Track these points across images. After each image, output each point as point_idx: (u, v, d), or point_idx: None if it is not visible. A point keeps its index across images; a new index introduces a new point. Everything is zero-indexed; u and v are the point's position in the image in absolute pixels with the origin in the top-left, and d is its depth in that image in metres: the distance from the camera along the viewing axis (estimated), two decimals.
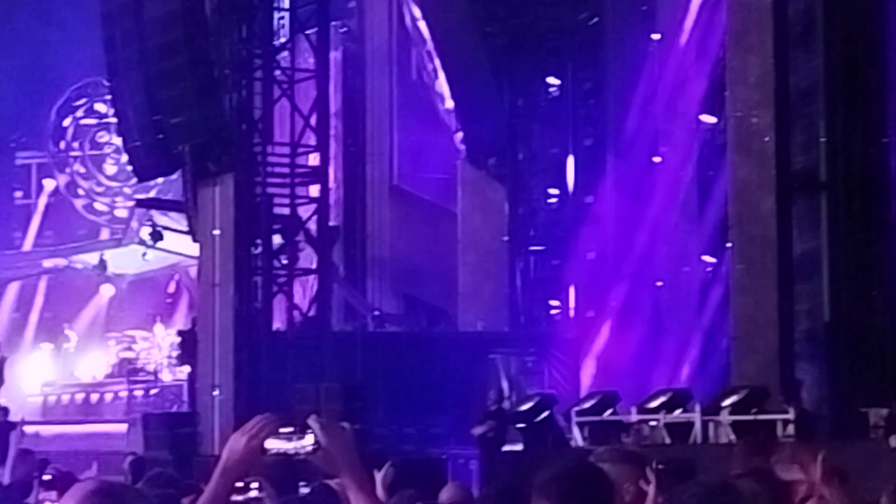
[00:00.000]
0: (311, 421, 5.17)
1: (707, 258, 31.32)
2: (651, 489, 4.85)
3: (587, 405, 27.11)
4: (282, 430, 5.14)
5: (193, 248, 31.21)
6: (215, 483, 5.25)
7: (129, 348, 39.30)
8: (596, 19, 34.59)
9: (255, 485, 7.44)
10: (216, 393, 28.11)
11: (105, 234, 43.64)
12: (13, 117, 44.49)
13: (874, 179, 27.88)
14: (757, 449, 10.17)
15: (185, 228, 31.60)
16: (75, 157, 44.75)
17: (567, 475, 5.04)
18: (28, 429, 32.74)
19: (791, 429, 24.02)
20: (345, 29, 34.03)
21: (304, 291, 30.30)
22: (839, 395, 27.14)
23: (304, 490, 8.46)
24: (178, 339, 33.13)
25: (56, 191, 45.33)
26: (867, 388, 26.98)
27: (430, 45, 32.72)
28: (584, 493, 4.99)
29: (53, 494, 10.85)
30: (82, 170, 44.75)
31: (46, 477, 14.86)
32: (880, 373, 27.15)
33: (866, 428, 25.20)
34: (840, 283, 27.70)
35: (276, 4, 29.95)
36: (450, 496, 8.97)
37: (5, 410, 33.18)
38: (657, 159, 32.55)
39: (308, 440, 5.09)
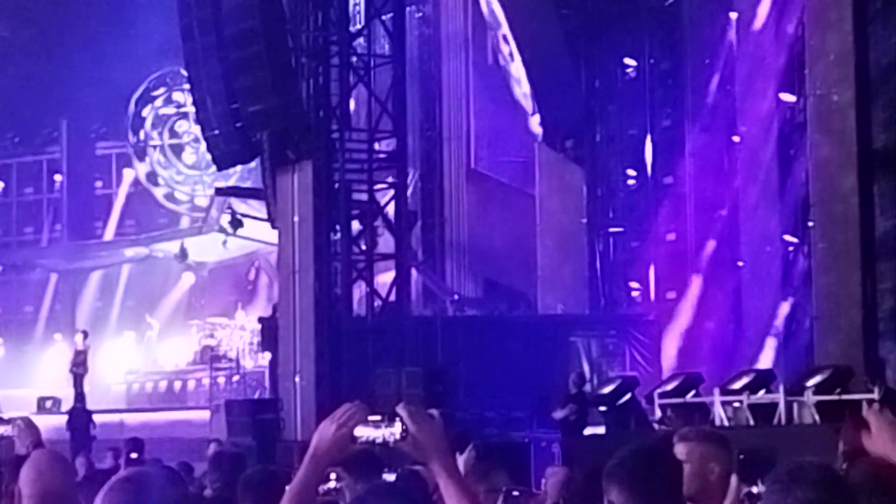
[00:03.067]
0: (400, 409, 5.19)
1: (789, 237, 31.14)
2: (733, 480, 4.83)
3: (669, 387, 27.04)
4: (370, 417, 5.16)
5: (273, 236, 31.35)
6: (305, 470, 5.28)
7: (211, 335, 39.53)
8: None
9: (333, 475, 7.47)
10: (298, 379, 28.21)
11: (185, 222, 43.94)
12: (92, 108, 44.82)
13: None
14: (860, 429, 10.06)
15: (265, 216, 31.77)
16: (155, 147, 45.05)
17: (632, 459, 5.03)
18: (112, 417, 33.13)
19: (876, 409, 23.91)
20: (420, 14, 34.09)
21: (383, 277, 30.37)
22: None
23: (389, 477, 8.48)
24: (259, 326, 33.29)
25: (136, 180, 45.64)
26: None
27: (505, 29, 32.68)
28: (649, 475, 4.98)
29: None
30: (162, 159, 45.05)
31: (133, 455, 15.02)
32: None
33: None
34: None
35: None
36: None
37: (84, 398, 33.54)
38: (736, 139, 32.39)
39: (397, 428, 5.12)
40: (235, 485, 9.41)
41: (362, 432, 5.15)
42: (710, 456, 5.96)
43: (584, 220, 33.03)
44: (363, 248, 29.71)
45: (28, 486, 6.79)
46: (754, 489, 4.95)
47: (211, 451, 14.72)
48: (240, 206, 35.29)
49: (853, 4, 28.24)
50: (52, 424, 31.50)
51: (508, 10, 32.49)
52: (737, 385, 26.02)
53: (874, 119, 28.21)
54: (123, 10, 37.39)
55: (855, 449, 8.32)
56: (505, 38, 32.79)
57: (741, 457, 6.05)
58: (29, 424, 9.32)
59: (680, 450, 6.02)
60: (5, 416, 19.27)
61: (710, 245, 32.78)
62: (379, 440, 5.20)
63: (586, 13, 32.94)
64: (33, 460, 7.08)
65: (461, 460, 10.71)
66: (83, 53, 40.87)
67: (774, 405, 24.97)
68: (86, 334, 37.41)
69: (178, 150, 44.52)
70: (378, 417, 5.16)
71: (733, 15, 32.37)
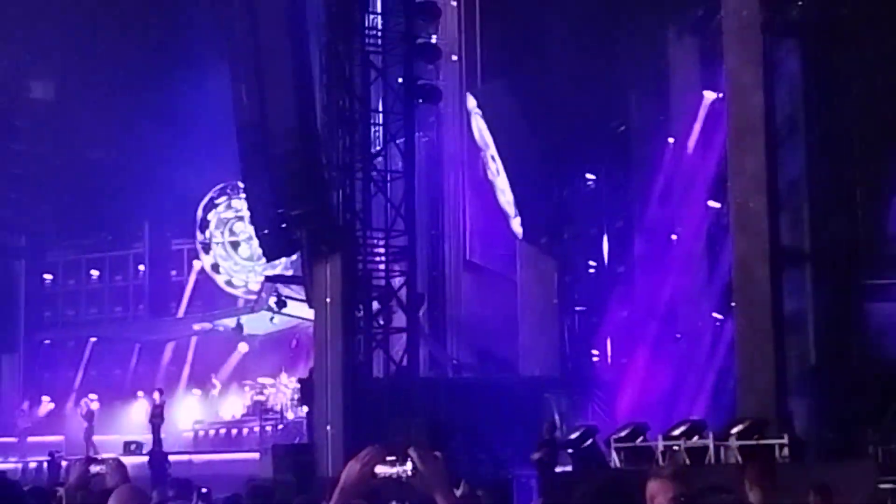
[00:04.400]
0: (411, 451, 5.21)
1: (716, 315, 31.18)
2: None
3: (623, 434, 26.94)
4: (387, 458, 5.19)
5: (310, 313, 31.32)
6: (335, 501, 5.29)
7: (261, 393, 39.50)
8: (623, 127, 34.73)
9: None
10: (329, 428, 28.13)
11: (241, 303, 43.95)
12: (168, 213, 45.06)
13: (848, 251, 27.76)
14: (767, 470, 10.08)
15: (304, 298, 31.76)
16: (217, 243, 45.15)
17: (594, 493, 5.05)
18: (183, 457, 33.02)
19: (786, 451, 23.85)
20: (426, 138, 34.21)
21: (397, 346, 30.34)
22: (824, 425, 26.97)
23: None
24: (299, 385, 33.27)
25: (202, 270, 45.72)
26: (848, 420, 26.83)
27: (492, 150, 32.83)
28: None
29: None
30: (223, 253, 45.13)
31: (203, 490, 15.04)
32: (855, 410, 26.99)
33: (843, 454, 25.07)
34: (822, 335, 27.56)
35: (372, 120, 30.13)
36: None
37: (161, 443, 33.51)
38: (674, 237, 32.54)
39: (408, 466, 5.14)
40: None
41: (381, 470, 5.18)
42: (663, 490, 5.96)
43: (556, 302, 33.03)
44: (381, 323, 29.73)
45: None
46: None
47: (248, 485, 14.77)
48: (284, 290, 35.31)
49: (765, 132, 28.37)
50: (135, 463, 31.42)
51: (495, 136, 32.65)
52: (675, 432, 25.95)
53: (782, 222, 28.29)
54: (191, 135, 37.58)
55: (762, 485, 8.35)
56: (493, 157, 32.93)
57: (682, 498, 6.05)
58: (118, 465, 9.37)
59: (653, 485, 6.07)
60: (99, 457, 19.15)
61: (654, 321, 32.84)
62: (394, 476, 5.23)
63: (556, 139, 33.08)
64: (118, 493, 7.13)
65: (458, 492, 10.71)
66: (161, 169, 41.07)
67: (705, 448, 24.91)
68: (161, 392, 37.45)
69: (235, 245, 44.63)
70: (393, 458, 5.19)
71: (671, 140, 32.57)
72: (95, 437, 36.96)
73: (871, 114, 27.67)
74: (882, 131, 27.58)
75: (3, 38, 45.90)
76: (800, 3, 28.74)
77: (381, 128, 30.41)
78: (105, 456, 30.13)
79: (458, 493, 10.61)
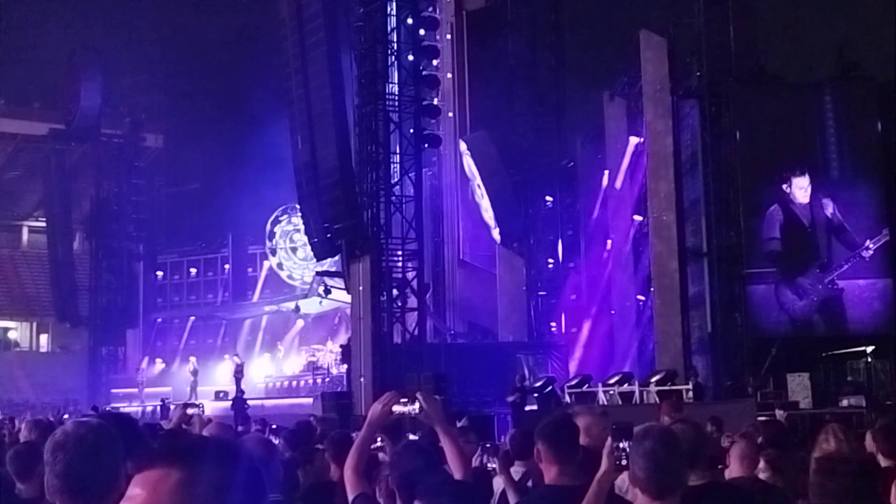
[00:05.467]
0: (418, 395, 5.19)
1: (640, 297, 31.19)
2: (608, 440, 4.81)
3: (573, 382, 26.98)
4: (401, 400, 5.16)
5: (348, 298, 31.28)
6: (363, 433, 5.28)
7: (313, 355, 39.38)
8: (571, 163, 34.76)
9: (379, 438, 7.40)
10: (362, 379, 28.11)
11: (298, 291, 43.87)
12: (246, 225, 45.02)
13: (733, 250, 27.77)
14: (675, 405, 10.08)
15: (344, 287, 31.70)
16: (281, 248, 45.09)
17: (550, 424, 5.03)
18: (258, 402, 32.92)
19: (691, 394, 23.84)
20: (430, 172, 34.18)
21: (410, 321, 30.30)
22: (718, 375, 26.99)
23: (414, 437, 8.41)
24: (341, 350, 33.21)
25: (270, 268, 45.65)
26: (735, 371, 26.84)
27: (478, 180, 32.79)
28: (558, 434, 4.97)
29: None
30: (285, 255, 45.03)
31: (273, 426, 14.96)
32: (740, 363, 27.01)
33: (732, 395, 25.10)
34: (716, 310, 27.59)
35: (391, 160, 30.08)
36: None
37: (242, 392, 33.45)
38: (609, 242, 32.53)
39: (416, 406, 5.11)
40: (309, 438, 9.28)
41: (396, 408, 5.15)
42: (594, 424, 5.92)
43: (524, 288, 32.95)
44: (399, 304, 29.66)
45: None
46: (621, 444, 4.91)
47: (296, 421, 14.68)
48: (329, 281, 35.24)
49: (674, 165, 28.42)
50: (223, 407, 31.36)
51: (480, 170, 32.60)
52: (611, 381, 25.98)
53: (686, 230, 28.34)
54: (261, 170, 37.51)
55: (672, 416, 8.33)
56: (479, 185, 32.88)
57: (613, 426, 6.01)
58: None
59: (580, 420, 6.00)
60: (195, 402, 18.95)
61: (595, 302, 32.83)
62: (406, 413, 5.20)
63: (523, 172, 33.08)
64: (210, 427, 7.05)
65: (459, 424, 10.67)
66: (240, 195, 41.04)
67: (632, 392, 24.94)
68: (239, 356, 37.45)
69: (294, 250, 44.54)
70: (405, 399, 5.16)
71: (606, 172, 32.56)
72: (199, 388, 36.90)
73: (748, 153, 27.69)
74: (756, 165, 27.59)
75: (125, 102, 45.93)
76: (698, 74, 28.79)
77: (397, 165, 30.36)
78: (199, 401, 30.12)
79: (460, 424, 10.55)
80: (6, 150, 54.08)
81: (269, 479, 4.93)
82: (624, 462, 4.58)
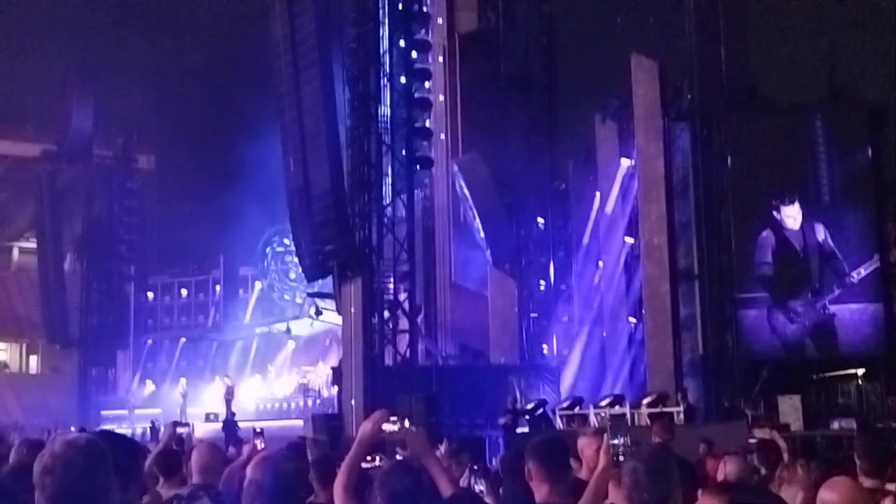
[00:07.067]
0: (404, 431, 5.25)
1: (631, 319, 31.18)
2: (603, 454, 4.83)
3: (565, 405, 26.96)
4: (391, 418, 5.18)
5: (339, 319, 31.28)
6: (353, 451, 5.26)
7: (304, 377, 39.35)
8: (564, 185, 34.80)
9: (376, 457, 7.40)
10: (353, 401, 28.07)
11: (290, 312, 43.83)
12: (237, 247, 44.96)
13: (725, 273, 27.79)
14: (666, 427, 10.09)
15: (335, 308, 31.68)
16: (273, 270, 45.07)
17: (539, 443, 5.05)
18: (248, 424, 32.79)
19: (682, 416, 23.82)
20: (422, 194, 34.25)
21: (402, 343, 30.25)
22: (709, 397, 26.96)
23: (404, 453, 8.38)
24: (332, 372, 33.13)
25: (262, 289, 45.61)
26: (726, 393, 26.82)
27: (470, 202, 32.81)
28: (549, 452, 4.99)
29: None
30: (277, 276, 45.03)
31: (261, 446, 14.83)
32: (732, 385, 26.99)
33: (724, 417, 25.08)
34: (707, 333, 27.57)
35: (383, 182, 30.17)
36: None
37: (233, 413, 33.33)
38: (601, 263, 32.52)
39: (403, 426, 5.14)
40: (303, 456, 9.23)
41: (387, 427, 5.16)
42: (590, 443, 5.94)
43: (516, 310, 32.96)
44: (390, 326, 29.67)
45: (195, 463, 6.71)
46: (617, 441, 4.94)
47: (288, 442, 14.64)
48: (321, 302, 35.25)
49: (665, 188, 28.48)
50: (214, 428, 31.25)
51: (472, 192, 32.61)
52: (602, 403, 25.97)
53: (677, 252, 28.36)
54: (253, 193, 37.54)
55: (663, 437, 8.33)
56: (471, 207, 32.87)
57: (609, 422, 6.02)
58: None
59: (579, 441, 6.06)
60: (183, 421, 18.83)
61: (587, 324, 32.79)
62: (394, 431, 5.23)
63: (515, 194, 33.14)
64: (199, 446, 6.96)
65: (443, 447, 10.57)
66: (232, 217, 41.05)
67: (624, 414, 24.90)
68: (230, 377, 37.36)
69: (286, 272, 44.54)
70: (395, 418, 5.18)
71: (598, 194, 32.60)
72: (188, 410, 36.77)
73: (739, 175, 27.75)
74: (747, 188, 27.65)
75: (118, 123, 45.96)
76: (689, 97, 28.89)
77: (390, 187, 30.48)
78: (188, 421, 30.02)
79: (442, 448, 10.49)
80: None
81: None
82: (621, 458, 4.62)
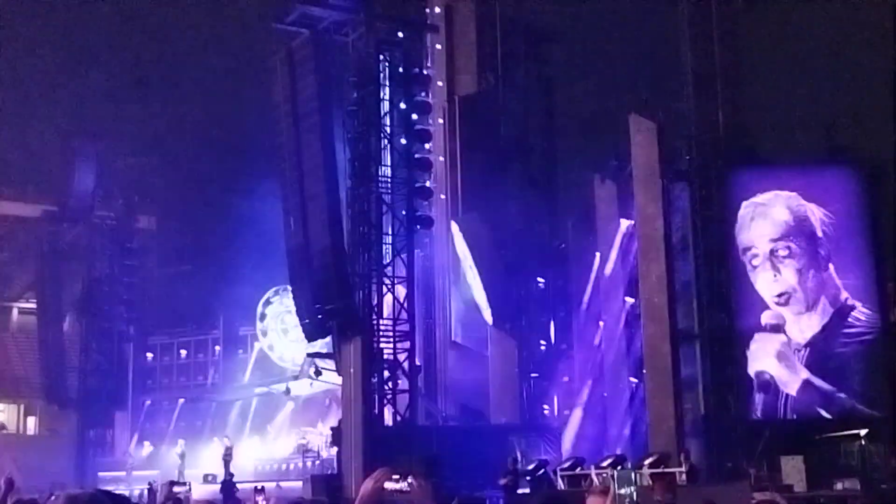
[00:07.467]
0: (410, 478, 5.18)
1: (632, 379, 31.07)
2: (610, 487, 4.81)
3: (566, 465, 26.77)
4: (393, 476, 5.15)
5: (339, 380, 31.11)
6: None
7: (304, 437, 39.06)
8: (563, 245, 34.86)
9: None
10: (353, 463, 27.85)
11: (289, 373, 43.64)
12: (237, 307, 44.94)
13: (725, 333, 27.77)
14: (669, 487, 10.04)
15: (335, 368, 31.55)
16: (272, 330, 44.99)
17: (541, 498, 5.03)
18: (247, 485, 32.54)
19: (684, 477, 23.64)
20: (422, 254, 34.28)
21: (402, 403, 30.08)
22: (711, 457, 26.79)
23: None
24: (331, 432, 32.89)
25: (261, 350, 45.49)
26: (729, 453, 26.66)
27: (470, 261, 32.87)
28: None
29: None
30: (276, 337, 44.94)
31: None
32: (734, 446, 26.83)
33: (726, 478, 24.89)
34: (708, 393, 27.47)
35: (383, 242, 30.22)
36: None
37: (231, 474, 33.06)
38: (601, 323, 32.48)
39: (408, 482, 5.10)
40: None
41: (388, 485, 5.13)
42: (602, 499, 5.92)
43: (517, 370, 32.82)
44: (390, 386, 29.53)
45: None
46: (623, 491, 4.95)
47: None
48: (320, 363, 35.06)
49: (665, 248, 28.53)
50: (212, 489, 31.00)
51: (472, 251, 32.70)
52: (604, 463, 25.77)
53: (678, 312, 28.34)
54: (253, 253, 37.60)
55: (665, 497, 8.28)
56: (470, 266, 32.92)
57: (615, 475, 6.00)
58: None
59: (590, 500, 6.05)
60: (180, 481, 18.64)
61: (588, 383, 32.66)
62: (397, 490, 5.18)
63: (515, 253, 33.19)
64: None
65: None
66: (231, 277, 41.08)
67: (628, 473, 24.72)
68: (229, 438, 37.09)
69: (285, 331, 44.44)
70: (397, 476, 5.14)
71: (597, 254, 32.65)
72: (186, 471, 36.48)
73: (739, 235, 27.83)
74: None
75: (119, 184, 46.17)
76: (687, 157, 29.09)
77: (390, 246, 30.51)
78: (186, 482, 29.70)
79: None
80: None
81: None
82: None
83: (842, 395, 27.16)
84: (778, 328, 27.37)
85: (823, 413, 27.15)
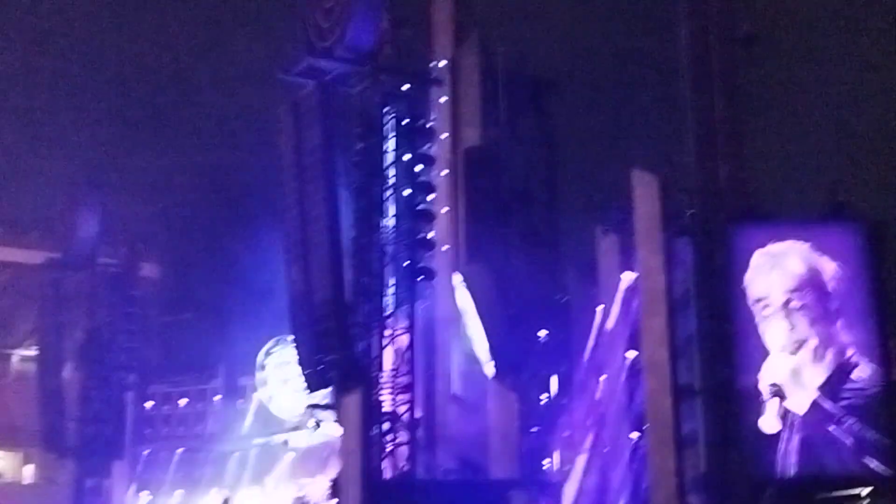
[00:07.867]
0: None
1: (634, 434, 30.79)
2: None
3: None
4: None
5: (339, 431, 30.90)
6: None
7: (302, 489, 38.78)
8: (565, 298, 34.73)
9: None
10: None
11: (288, 424, 43.37)
12: (237, 358, 44.83)
13: (727, 388, 27.59)
14: None
15: (335, 420, 31.36)
16: (272, 380, 44.80)
17: None
18: None
19: None
20: (424, 305, 34.15)
21: (401, 456, 29.86)
22: None
23: None
24: (331, 484, 32.65)
25: (260, 402, 45.28)
26: None
27: (472, 313, 32.64)
28: None
29: None
30: (276, 387, 44.73)
31: None
32: (737, 499, 26.58)
33: None
34: (710, 450, 27.23)
35: (385, 293, 30.18)
36: None
37: None
38: (603, 377, 32.23)
39: None
40: None
41: None
42: None
43: (517, 424, 32.47)
44: (389, 439, 29.34)
45: None
46: None
47: None
48: (321, 414, 34.90)
49: (667, 302, 28.47)
50: None
51: (476, 303, 32.52)
52: None
53: (679, 368, 28.19)
54: (254, 303, 37.59)
55: None
56: (473, 318, 32.72)
57: None
58: None
59: None
60: None
61: (589, 437, 32.36)
62: None
63: (518, 306, 32.99)
64: None
65: None
66: (232, 327, 41.04)
67: None
68: (227, 489, 36.82)
69: (286, 382, 44.25)
70: None
71: (599, 307, 32.49)
72: None
73: (741, 290, 27.76)
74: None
75: (123, 231, 46.33)
76: (690, 212, 29.10)
77: (391, 298, 30.47)
78: None
79: None
80: (1, 279, 54.17)
81: None
82: None
83: (846, 451, 26.92)
84: (779, 393, 27.14)
85: (828, 469, 26.88)
